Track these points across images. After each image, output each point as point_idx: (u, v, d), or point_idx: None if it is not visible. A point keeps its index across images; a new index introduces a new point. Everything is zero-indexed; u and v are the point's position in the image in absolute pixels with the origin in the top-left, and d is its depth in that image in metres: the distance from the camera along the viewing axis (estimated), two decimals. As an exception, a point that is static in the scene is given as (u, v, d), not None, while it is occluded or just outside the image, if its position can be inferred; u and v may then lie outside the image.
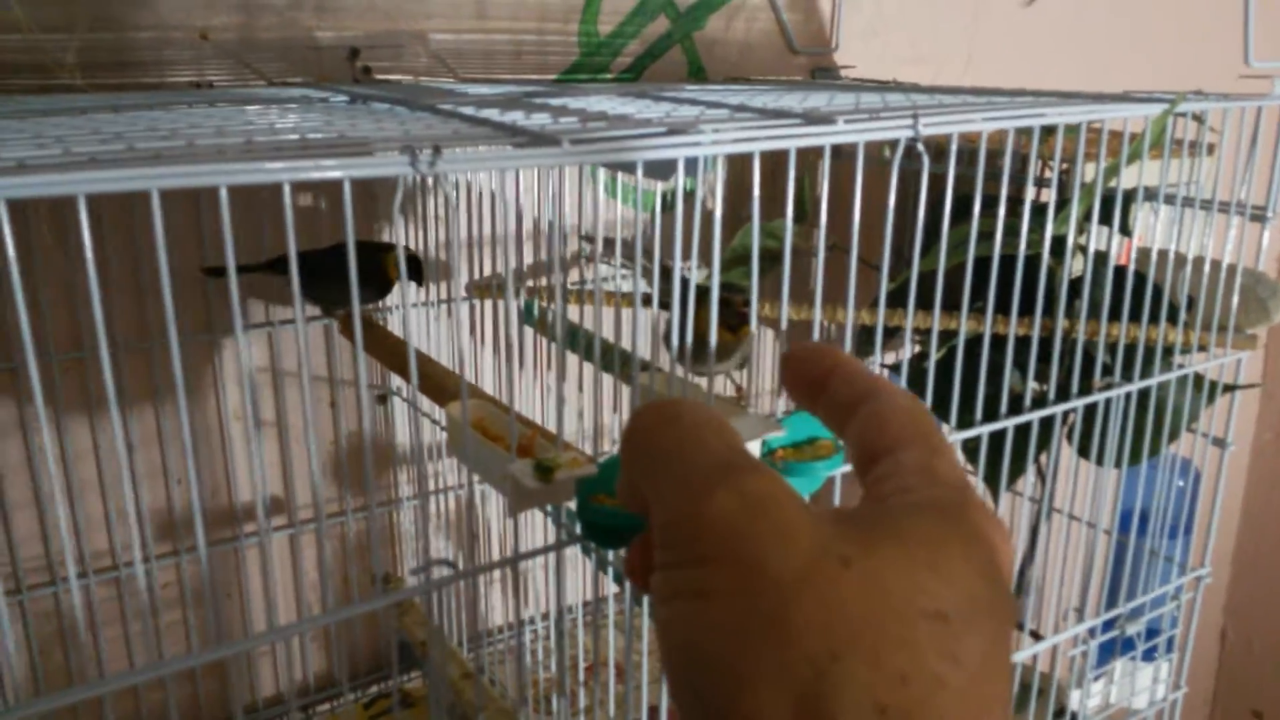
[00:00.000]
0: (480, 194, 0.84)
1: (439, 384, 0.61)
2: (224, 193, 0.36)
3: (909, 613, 0.22)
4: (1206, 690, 1.91)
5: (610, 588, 0.77)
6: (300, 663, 0.91)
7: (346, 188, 0.38)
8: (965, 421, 0.63)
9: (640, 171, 0.47)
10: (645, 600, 0.62)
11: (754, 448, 0.53)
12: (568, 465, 0.45)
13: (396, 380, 0.88)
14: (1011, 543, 0.26)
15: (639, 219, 0.96)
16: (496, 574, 0.99)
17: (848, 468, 0.60)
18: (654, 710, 0.63)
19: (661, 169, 0.49)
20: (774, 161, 0.51)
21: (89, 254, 0.35)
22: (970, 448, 0.74)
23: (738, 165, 0.97)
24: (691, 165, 0.48)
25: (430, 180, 0.81)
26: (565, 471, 0.45)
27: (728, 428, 0.27)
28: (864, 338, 0.90)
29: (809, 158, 0.97)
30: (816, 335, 0.59)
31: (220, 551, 0.85)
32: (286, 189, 0.37)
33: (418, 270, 0.76)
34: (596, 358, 0.50)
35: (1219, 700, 1.91)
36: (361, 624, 0.92)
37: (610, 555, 0.61)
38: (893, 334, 0.86)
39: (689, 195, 0.49)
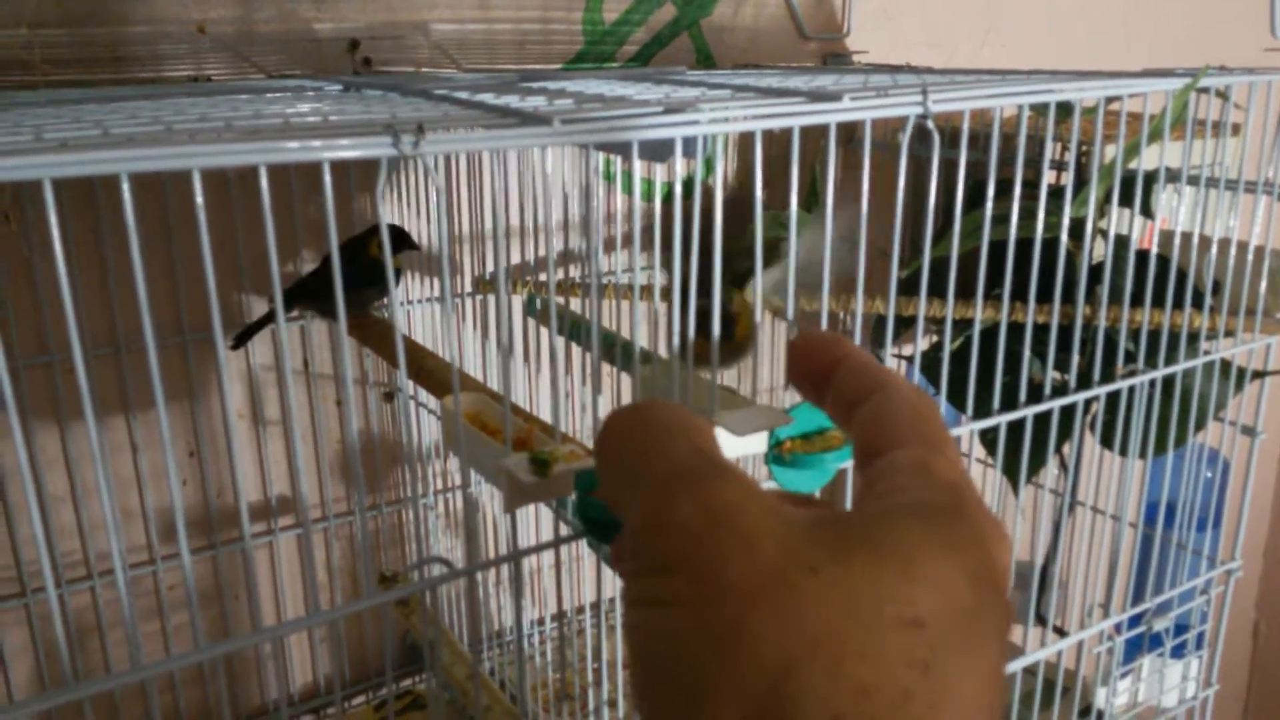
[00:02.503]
0: (483, 185, 0.83)
1: (441, 379, 0.59)
2: (197, 176, 0.34)
3: (875, 621, 0.21)
4: (1240, 686, 1.87)
5: (617, 587, 0.75)
6: (310, 664, 0.90)
7: (326, 171, 0.37)
8: (983, 411, 0.61)
9: (636, 153, 0.45)
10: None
11: (761, 439, 0.52)
12: (565, 458, 0.43)
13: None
14: (1010, 547, 0.25)
15: (638, 208, 0.95)
16: (505, 575, 0.97)
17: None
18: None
19: (658, 150, 0.47)
20: (784, 145, 0.49)
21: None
22: (989, 439, 0.71)
23: (748, 154, 0.95)
24: (690, 146, 0.47)
25: (425, 168, 0.80)
26: (562, 465, 0.43)
27: (700, 429, 0.26)
28: (881, 327, 0.88)
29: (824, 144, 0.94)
30: (826, 326, 0.57)
31: (228, 552, 0.84)
32: (263, 171, 0.36)
33: (405, 243, 0.75)
34: (596, 348, 0.48)
35: (1252, 696, 1.87)
36: (371, 626, 0.91)
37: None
38: (911, 323, 0.84)
39: (693, 182, 0.47)
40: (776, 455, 0.52)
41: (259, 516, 0.85)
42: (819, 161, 0.97)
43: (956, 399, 0.65)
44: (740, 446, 0.51)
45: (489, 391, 0.54)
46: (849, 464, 0.57)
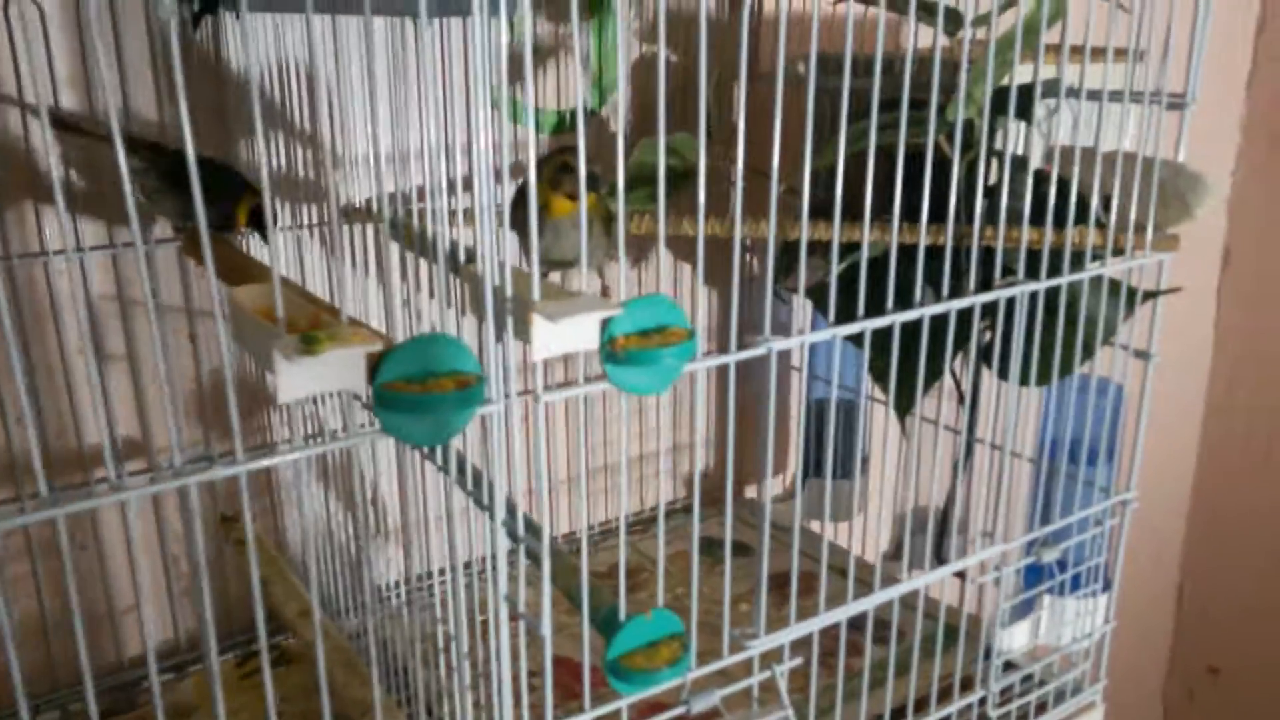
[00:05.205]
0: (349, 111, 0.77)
1: (247, 275, 0.55)
2: None
3: None
4: (1163, 648, 1.87)
5: (503, 542, 0.70)
6: (171, 621, 0.85)
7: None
8: (847, 318, 0.57)
9: (425, 7, 0.41)
10: (545, 551, 0.55)
11: (591, 332, 0.47)
12: (342, 340, 0.39)
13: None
14: None
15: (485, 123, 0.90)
16: (393, 532, 0.92)
17: (713, 361, 0.54)
18: (559, 661, 0.57)
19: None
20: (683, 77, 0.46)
21: None
22: (876, 368, 0.67)
23: (641, 79, 0.91)
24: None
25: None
26: (337, 346, 0.39)
27: None
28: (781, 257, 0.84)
29: (721, 77, 0.90)
30: (702, 248, 0.53)
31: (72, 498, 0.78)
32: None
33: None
34: (398, 237, 0.44)
35: (1176, 657, 1.87)
36: (235, 582, 0.86)
37: (469, 480, 0.55)
38: (794, 250, 0.81)
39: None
40: (609, 352, 0.48)
41: (102, 462, 0.79)
42: (720, 95, 0.94)
43: (824, 308, 0.61)
44: (565, 340, 0.47)
45: (293, 286, 0.49)
46: (701, 366, 0.53)
